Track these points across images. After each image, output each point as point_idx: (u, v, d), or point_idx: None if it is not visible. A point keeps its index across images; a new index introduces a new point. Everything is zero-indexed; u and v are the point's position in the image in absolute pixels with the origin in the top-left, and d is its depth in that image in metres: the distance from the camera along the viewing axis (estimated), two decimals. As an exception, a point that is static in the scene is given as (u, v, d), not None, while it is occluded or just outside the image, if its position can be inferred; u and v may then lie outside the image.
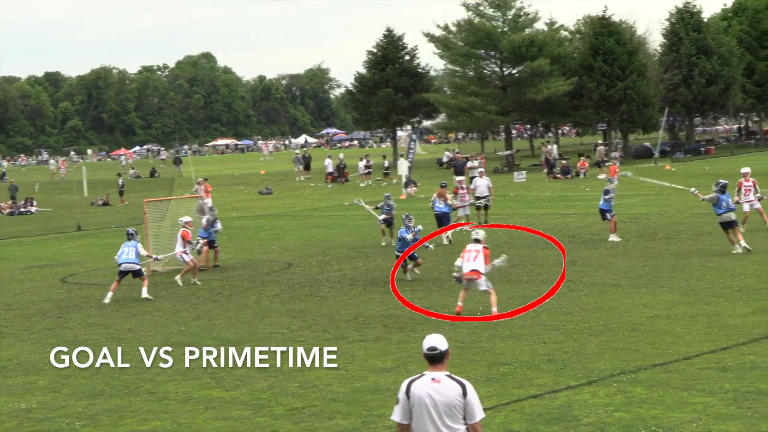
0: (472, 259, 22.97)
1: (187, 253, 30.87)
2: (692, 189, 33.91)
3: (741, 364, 17.25)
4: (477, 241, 23.37)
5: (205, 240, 33.06)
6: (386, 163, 79.46)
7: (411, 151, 78.08)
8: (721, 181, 31.70)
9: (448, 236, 37.00)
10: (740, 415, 14.49)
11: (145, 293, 27.99)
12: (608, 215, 35.45)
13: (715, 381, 16.26)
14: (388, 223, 37.08)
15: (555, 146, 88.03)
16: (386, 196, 37.78)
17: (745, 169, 36.46)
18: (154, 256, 30.98)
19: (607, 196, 35.56)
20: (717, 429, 13.94)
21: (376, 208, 37.74)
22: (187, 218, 32.37)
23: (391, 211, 37.09)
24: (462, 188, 42.00)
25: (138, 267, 28.32)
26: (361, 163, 77.83)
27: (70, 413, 16.57)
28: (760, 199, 35.53)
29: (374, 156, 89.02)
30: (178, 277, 30.60)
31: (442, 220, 37.70)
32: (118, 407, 16.78)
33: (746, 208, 35.28)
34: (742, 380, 16.21)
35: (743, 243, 30.39)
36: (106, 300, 27.66)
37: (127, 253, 28.15)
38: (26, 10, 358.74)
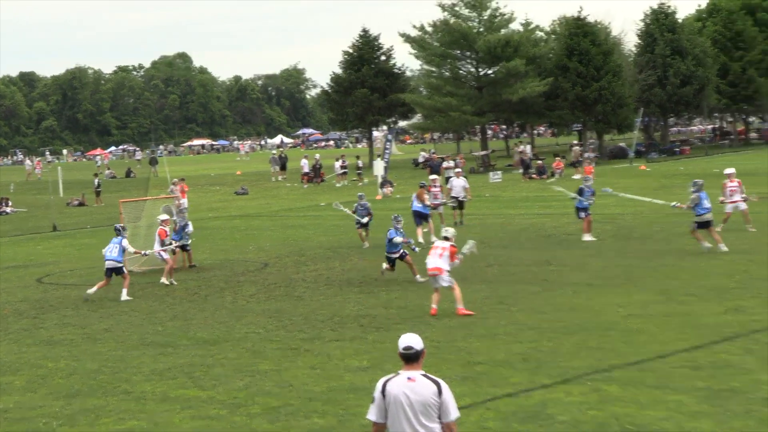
0: (436, 256, 23.27)
1: (165, 251, 30.91)
2: (673, 203, 33.64)
3: (714, 362, 17.38)
4: (446, 239, 23.70)
5: (177, 242, 32.95)
6: (360, 164, 79.32)
7: (387, 151, 78.13)
8: (697, 180, 31.90)
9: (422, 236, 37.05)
10: (713, 412, 14.61)
11: (124, 295, 27.90)
12: (582, 214, 35.61)
13: (689, 379, 16.38)
14: (363, 225, 36.84)
15: (528, 146, 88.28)
16: (359, 196, 37.64)
17: (730, 170, 36.33)
18: (142, 252, 30.97)
19: (582, 196, 35.73)
20: (690, 426, 14.06)
21: (353, 212, 37.49)
22: (165, 216, 32.37)
23: (366, 211, 36.86)
24: (435, 186, 41.68)
25: (120, 265, 28.25)
26: (338, 164, 77.82)
27: (48, 413, 16.57)
28: (745, 200, 35.47)
29: (350, 156, 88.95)
30: (163, 279, 30.41)
31: (421, 218, 37.75)
32: (95, 407, 16.78)
33: (729, 209, 35.30)
34: (715, 378, 16.34)
35: (722, 244, 30.59)
36: (90, 291, 27.76)
37: (111, 250, 28.13)
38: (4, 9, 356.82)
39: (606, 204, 46.22)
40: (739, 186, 35.62)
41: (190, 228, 34.36)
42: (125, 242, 28.61)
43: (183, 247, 33.63)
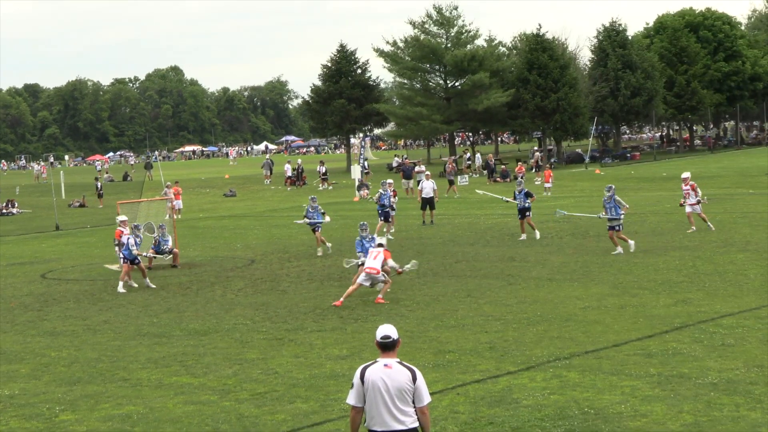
0: (373, 258, 24.43)
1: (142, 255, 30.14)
2: (600, 215, 33.30)
3: (664, 350, 17.35)
4: (380, 245, 25.31)
5: (154, 252, 32.61)
6: (324, 169, 77.43)
7: (362, 156, 77.99)
8: (612, 186, 32.09)
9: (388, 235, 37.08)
10: (664, 396, 14.58)
11: (120, 287, 27.92)
12: (519, 215, 35.82)
13: (642, 366, 16.35)
14: (314, 228, 34.87)
15: (478, 154, 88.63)
16: (311, 199, 35.89)
17: (685, 174, 36.12)
18: (143, 254, 30.59)
19: (515, 199, 35.93)
20: (644, 409, 14.02)
21: (305, 216, 35.42)
22: (123, 218, 31.55)
23: (316, 213, 34.83)
24: (383, 189, 40.48)
25: (125, 257, 28.85)
26: (321, 168, 77.47)
27: (51, 399, 16.41)
28: (698, 203, 35.17)
29: (328, 161, 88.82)
30: (132, 282, 29.14)
31: (384, 213, 39.06)
32: (95, 393, 16.63)
33: (688, 209, 35.21)
34: (666, 365, 16.31)
35: (632, 242, 30.71)
36: (146, 284, 28.55)
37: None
38: (6, 23, 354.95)
39: (564, 205, 46.24)
40: (693, 189, 35.13)
41: (169, 245, 33.51)
42: (130, 240, 28.63)
43: (161, 252, 33.05)
